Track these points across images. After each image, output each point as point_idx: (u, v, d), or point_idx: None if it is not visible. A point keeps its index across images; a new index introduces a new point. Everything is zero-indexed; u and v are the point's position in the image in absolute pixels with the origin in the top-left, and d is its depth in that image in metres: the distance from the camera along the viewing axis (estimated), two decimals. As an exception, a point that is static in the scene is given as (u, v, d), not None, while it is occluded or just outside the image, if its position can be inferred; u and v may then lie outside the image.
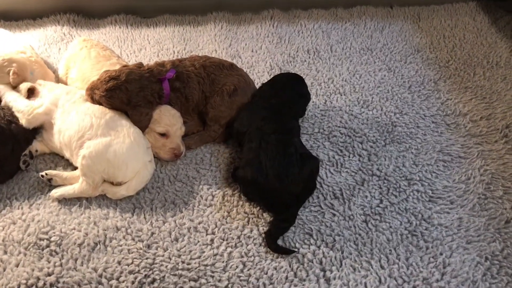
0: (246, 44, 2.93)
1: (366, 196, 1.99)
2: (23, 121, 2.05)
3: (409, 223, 1.89)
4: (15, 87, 2.22)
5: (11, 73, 2.19)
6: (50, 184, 2.00)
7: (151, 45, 2.91)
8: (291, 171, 1.82)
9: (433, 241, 1.82)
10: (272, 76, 2.63)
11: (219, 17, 3.16)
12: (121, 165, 1.94)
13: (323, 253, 1.78)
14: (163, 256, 1.78)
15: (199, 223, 1.90)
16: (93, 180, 1.94)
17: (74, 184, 1.98)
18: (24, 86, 2.18)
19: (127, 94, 2.04)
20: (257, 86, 2.41)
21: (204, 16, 3.19)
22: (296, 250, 1.76)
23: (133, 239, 1.83)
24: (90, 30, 3.04)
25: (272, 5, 3.26)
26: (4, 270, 1.72)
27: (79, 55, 2.40)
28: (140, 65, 2.17)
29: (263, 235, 1.84)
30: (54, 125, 2.07)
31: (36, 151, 2.11)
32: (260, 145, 1.89)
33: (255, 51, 2.87)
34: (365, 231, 1.86)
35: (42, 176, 1.98)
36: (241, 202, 1.97)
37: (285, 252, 1.77)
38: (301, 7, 3.27)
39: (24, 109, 2.06)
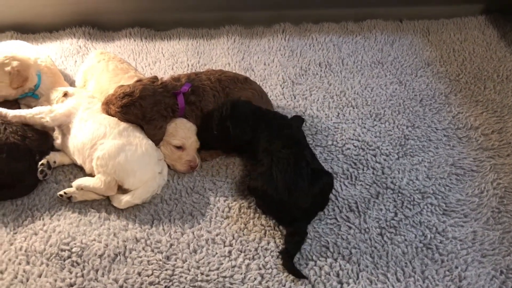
0: (258, 57, 2.98)
1: (381, 209, 2.02)
2: (47, 119, 2.10)
3: (424, 236, 1.92)
4: (15, 88, 2.27)
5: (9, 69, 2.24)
6: (70, 201, 2.03)
7: (165, 58, 2.96)
8: (301, 186, 1.86)
9: (448, 254, 1.84)
10: (284, 88, 2.69)
11: (232, 31, 3.21)
12: (130, 171, 1.99)
13: (340, 265, 1.81)
14: (182, 267, 1.81)
15: (217, 234, 1.93)
16: (108, 180, 1.98)
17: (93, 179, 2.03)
18: (59, 93, 2.27)
19: (141, 109, 2.09)
20: (270, 99, 2.46)
21: (217, 30, 3.25)
22: (307, 277, 1.77)
23: (152, 251, 1.87)
24: (105, 43, 3.10)
25: (284, 19, 3.31)
26: (27, 280, 1.76)
27: (97, 68, 2.45)
28: (154, 79, 2.22)
29: (280, 247, 1.87)
30: (71, 129, 2.12)
31: (54, 162, 2.15)
32: (272, 160, 1.93)
33: (267, 64, 2.92)
34: (380, 244, 1.89)
35: (61, 195, 2.02)
36: (257, 215, 2.01)
37: (298, 275, 1.78)
38: (312, 21, 3.32)
39: (43, 110, 2.12)
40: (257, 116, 2.13)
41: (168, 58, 2.97)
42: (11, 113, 2.11)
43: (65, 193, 2.01)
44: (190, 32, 3.22)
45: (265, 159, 1.96)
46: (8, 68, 2.23)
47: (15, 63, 2.23)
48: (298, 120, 2.41)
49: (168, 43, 3.11)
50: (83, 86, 2.49)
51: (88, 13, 3.21)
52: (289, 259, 1.80)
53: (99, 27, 3.23)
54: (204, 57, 2.98)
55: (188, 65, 2.92)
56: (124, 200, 1.98)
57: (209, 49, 3.06)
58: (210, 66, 2.90)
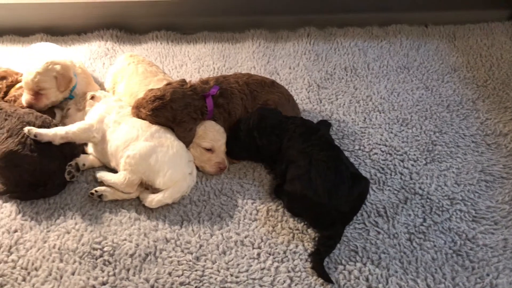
0: (283, 61, 2.99)
1: (410, 215, 2.02)
2: (94, 134, 2.13)
3: (454, 243, 1.91)
4: (62, 91, 2.32)
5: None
6: (101, 200, 2.06)
7: (192, 61, 3.00)
8: (342, 189, 1.86)
9: (479, 262, 1.83)
10: (310, 92, 2.70)
11: (257, 34, 3.23)
12: (160, 172, 2.01)
13: (369, 270, 1.81)
14: (212, 268, 1.83)
15: (245, 237, 1.95)
16: (132, 178, 2.01)
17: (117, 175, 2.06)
18: (88, 95, 2.32)
19: (172, 112, 2.12)
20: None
21: (242, 33, 3.27)
22: (334, 282, 1.78)
23: (182, 251, 1.89)
24: (133, 46, 3.15)
25: (308, 23, 3.32)
26: (61, 277, 1.79)
27: (127, 70, 2.48)
28: (183, 82, 2.24)
29: (309, 251, 1.88)
30: (106, 132, 2.15)
31: (83, 164, 2.18)
32: (310, 162, 1.93)
33: (292, 68, 2.93)
34: (409, 249, 1.88)
35: (92, 194, 2.05)
36: (285, 218, 2.02)
37: (327, 279, 1.78)
38: (336, 25, 3.32)
39: (83, 125, 2.12)
40: (284, 125, 2.13)
41: (194, 61, 3.00)
42: (45, 133, 2.05)
43: (96, 191, 2.05)
44: (215, 36, 3.25)
45: (302, 161, 1.96)
46: (53, 73, 2.27)
47: (58, 67, 2.28)
48: (325, 124, 2.41)
49: (194, 46, 3.14)
50: (112, 88, 2.53)
51: (116, 16, 3.26)
52: (319, 262, 1.80)
53: (126, 30, 3.28)
54: (229, 61, 3.01)
55: (214, 68, 2.94)
56: (156, 200, 2.01)
57: (234, 53, 3.08)
58: (235, 70, 2.92)
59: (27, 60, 2.62)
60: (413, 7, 3.36)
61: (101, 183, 2.10)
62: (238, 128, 2.17)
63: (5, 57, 3.03)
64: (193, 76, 2.86)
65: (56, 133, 2.04)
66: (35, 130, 2.00)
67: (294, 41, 3.18)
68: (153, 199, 2.01)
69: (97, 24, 3.27)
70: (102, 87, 2.64)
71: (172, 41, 3.19)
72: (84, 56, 3.01)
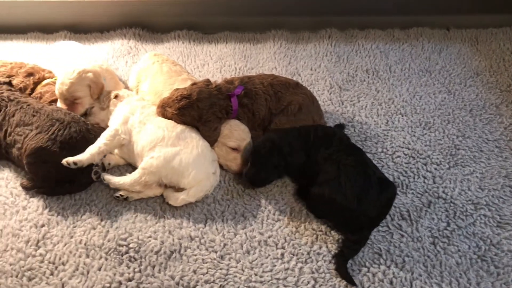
0: (305, 62, 3.00)
1: (433, 219, 2.01)
2: (122, 136, 2.15)
3: (478, 248, 1.90)
4: (95, 98, 2.34)
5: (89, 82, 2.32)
6: (127, 201, 2.09)
7: (213, 61, 3.02)
8: (371, 194, 1.86)
9: (504, 268, 1.82)
10: (331, 94, 2.71)
11: (278, 35, 3.24)
12: (185, 172, 2.03)
13: (393, 273, 1.81)
14: (236, 267, 1.84)
15: (269, 237, 1.96)
16: (149, 179, 2.03)
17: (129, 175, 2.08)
18: (112, 95, 2.33)
19: (198, 111, 2.14)
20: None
21: (263, 34, 3.28)
22: (357, 285, 1.78)
23: (206, 249, 1.91)
24: (155, 45, 3.17)
25: (329, 24, 3.33)
26: (88, 272, 1.82)
27: (151, 69, 2.51)
28: (208, 82, 2.26)
29: (333, 253, 1.88)
30: (132, 132, 2.17)
31: (109, 164, 2.21)
32: (339, 167, 1.93)
33: (314, 70, 2.94)
34: (433, 253, 1.88)
35: (117, 197, 2.08)
36: (308, 219, 2.02)
37: (350, 281, 1.79)
38: (357, 27, 3.32)
39: (110, 132, 2.14)
40: (304, 137, 2.10)
41: (216, 61, 3.02)
42: (86, 158, 2.05)
43: (121, 195, 2.07)
44: (236, 36, 3.26)
45: (329, 167, 1.95)
46: (87, 82, 2.32)
47: (91, 75, 2.32)
48: (341, 127, 2.42)
49: (215, 46, 3.16)
50: (136, 87, 2.55)
51: (138, 15, 3.30)
52: (343, 264, 1.81)
53: (149, 28, 3.31)
54: (251, 61, 3.02)
55: (236, 68, 2.96)
56: (180, 198, 2.03)
57: (255, 53, 3.10)
58: (257, 70, 2.94)
59: (52, 58, 2.66)
60: (434, 10, 3.34)
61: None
62: (259, 155, 2.09)
63: (29, 53, 3.08)
64: (215, 75, 2.88)
65: (92, 153, 2.06)
66: (72, 159, 2.01)
67: (315, 42, 3.18)
68: (177, 198, 2.04)
69: (119, 23, 3.31)
70: (125, 85, 2.67)
71: (194, 40, 3.22)
72: (107, 54, 3.04)
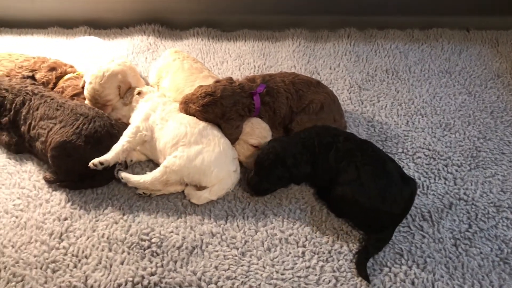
0: (324, 61, 3.00)
1: (454, 220, 2.01)
2: (144, 133, 2.15)
3: (500, 251, 1.89)
4: (123, 97, 2.37)
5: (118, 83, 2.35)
6: (150, 197, 2.11)
7: (232, 59, 3.02)
8: (394, 192, 1.86)
9: (527, 271, 1.82)
10: (351, 93, 2.71)
11: (297, 34, 3.25)
12: (207, 171, 2.04)
13: (415, 273, 1.81)
14: (257, 264, 1.85)
15: (290, 235, 1.96)
16: (170, 178, 2.04)
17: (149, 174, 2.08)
18: (135, 91, 2.35)
19: (221, 109, 2.15)
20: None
21: (282, 32, 3.29)
22: (370, 282, 1.79)
23: (228, 246, 1.92)
24: (174, 41, 3.19)
25: (348, 24, 3.32)
26: (111, 266, 1.84)
27: (172, 66, 2.52)
28: (230, 80, 2.27)
29: (354, 252, 1.89)
30: (154, 129, 2.18)
31: (131, 160, 2.23)
32: (357, 167, 1.92)
33: (333, 69, 2.93)
34: (455, 255, 1.88)
35: (140, 194, 2.10)
36: (329, 218, 2.03)
37: (365, 277, 1.79)
38: (376, 27, 3.31)
39: (132, 130, 2.16)
40: (308, 145, 2.06)
41: (235, 59, 3.03)
42: (111, 157, 2.07)
43: (144, 193, 2.09)
44: (255, 34, 3.27)
45: (348, 168, 1.94)
46: (116, 84, 2.34)
47: (120, 77, 2.34)
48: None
49: (234, 44, 3.17)
50: (156, 83, 2.57)
51: (157, 11, 3.32)
52: (364, 261, 1.82)
53: (168, 25, 3.33)
54: (270, 59, 3.03)
55: (255, 66, 2.96)
56: (203, 197, 2.05)
57: (274, 52, 3.10)
58: (276, 68, 2.94)
59: (74, 53, 2.68)
60: (454, 11, 3.32)
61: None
62: (262, 166, 2.06)
63: (50, 48, 3.10)
64: (234, 73, 2.89)
65: (116, 152, 2.08)
66: (97, 160, 2.02)
67: (334, 42, 3.18)
68: (200, 196, 2.05)
69: (139, 19, 3.32)
70: (145, 81, 2.68)
71: (213, 38, 3.23)
72: (127, 50, 3.06)
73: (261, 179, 2.07)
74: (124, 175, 2.08)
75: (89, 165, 2.01)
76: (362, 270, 1.81)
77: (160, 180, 2.04)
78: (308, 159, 2.03)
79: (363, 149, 2.01)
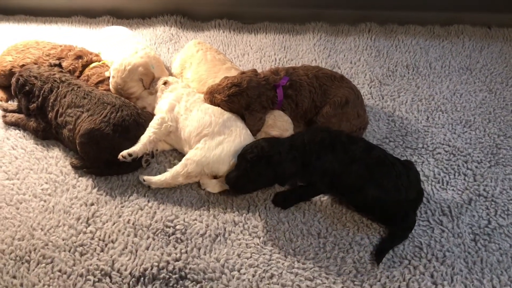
0: (344, 55, 3.01)
1: (474, 216, 2.03)
2: (169, 123, 2.20)
3: (519, 247, 1.92)
4: (147, 88, 2.42)
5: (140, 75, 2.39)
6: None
7: (253, 51, 3.05)
8: (403, 180, 1.92)
9: (546, 267, 1.84)
10: (372, 88, 2.72)
11: (318, 27, 3.26)
12: (226, 160, 2.08)
13: (434, 267, 1.84)
14: (279, 253, 1.89)
15: (311, 226, 2.00)
16: (192, 169, 2.07)
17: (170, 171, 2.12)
18: (160, 81, 2.39)
19: (247, 99, 2.18)
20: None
21: (302, 26, 3.31)
22: (378, 265, 1.86)
23: (250, 235, 1.96)
24: (196, 33, 3.22)
25: (369, 18, 3.33)
26: (136, 251, 1.89)
27: (196, 57, 2.55)
28: (255, 71, 2.30)
29: (374, 244, 1.92)
30: (179, 119, 2.22)
31: (157, 150, 2.28)
32: (367, 167, 1.95)
33: (353, 63, 2.95)
34: (474, 250, 1.90)
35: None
36: (349, 211, 2.06)
37: (379, 259, 1.86)
38: (397, 22, 3.32)
39: (157, 121, 2.20)
40: (297, 147, 2.02)
41: (256, 51, 3.05)
42: (139, 148, 2.12)
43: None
44: (276, 27, 3.29)
45: (354, 168, 1.96)
46: (138, 77, 2.37)
47: (141, 69, 2.37)
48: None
49: (255, 36, 3.20)
50: (179, 73, 2.60)
51: (179, 2, 3.36)
52: (388, 248, 1.89)
53: (189, 16, 3.36)
54: (290, 52, 3.05)
55: (276, 59, 2.99)
56: (218, 185, 2.10)
57: (295, 45, 3.12)
58: (296, 62, 2.97)
59: (99, 43, 2.73)
60: (476, 7, 3.31)
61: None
62: (244, 160, 1.99)
63: (73, 36, 3.15)
64: (255, 65, 2.92)
65: (144, 142, 2.12)
66: (126, 152, 2.08)
67: (355, 36, 3.19)
68: (215, 185, 2.10)
69: (161, 9, 3.37)
70: (168, 71, 2.72)
71: (234, 30, 3.26)
72: (150, 40, 3.10)
73: (241, 174, 1.99)
74: (146, 177, 2.12)
75: (118, 158, 2.06)
76: (381, 255, 1.86)
77: (182, 173, 2.08)
78: (295, 158, 2.00)
79: (365, 148, 2.03)
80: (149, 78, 2.40)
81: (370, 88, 2.74)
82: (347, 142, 2.02)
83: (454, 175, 2.22)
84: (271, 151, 1.98)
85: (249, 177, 1.99)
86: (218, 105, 2.21)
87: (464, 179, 2.20)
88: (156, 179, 2.10)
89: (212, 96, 2.22)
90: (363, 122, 2.33)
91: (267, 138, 2.13)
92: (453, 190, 2.15)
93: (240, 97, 2.16)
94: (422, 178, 2.17)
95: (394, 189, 1.91)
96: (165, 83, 2.38)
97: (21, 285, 1.78)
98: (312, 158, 2.00)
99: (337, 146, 2.01)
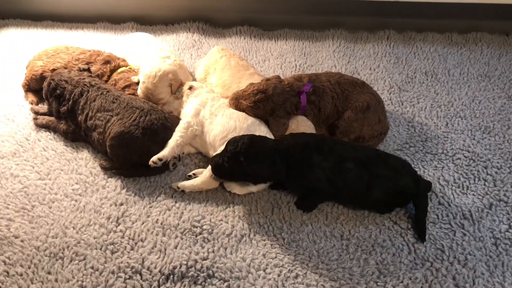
0: (364, 62, 3.07)
1: (494, 220, 2.07)
2: (195, 127, 2.27)
3: (540, 252, 1.95)
4: (174, 93, 2.50)
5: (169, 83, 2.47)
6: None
7: (274, 57, 3.12)
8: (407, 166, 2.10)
9: None
10: (391, 94, 2.77)
11: (337, 34, 3.32)
12: None
13: (456, 269, 1.87)
14: (303, 254, 1.94)
15: (334, 228, 2.05)
16: None
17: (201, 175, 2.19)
18: (185, 86, 2.47)
19: (272, 106, 2.25)
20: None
21: (322, 32, 3.37)
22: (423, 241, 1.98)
23: (274, 236, 2.02)
24: (217, 39, 3.30)
25: (387, 26, 3.38)
26: (165, 250, 1.95)
27: (219, 63, 2.63)
28: (279, 78, 2.37)
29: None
30: (204, 123, 2.29)
31: (183, 153, 2.35)
32: (365, 167, 2.03)
33: (373, 69, 3.00)
34: (495, 254, 1.94)
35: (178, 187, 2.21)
36: (371, 213, 2.10)
37: (422, 236, 1.99)
38: (415, 30, 3.36)
39: (183, 126, 2.27)
40: (284, 150, 2.04)
41: (276, 58, 3.12)
42: (167, 153, 2.18)
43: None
44: (296, 34, 3.36)
45: (357, 170, 2.02)
46: (168, 83, 2.45)
47: (170, 76, 2.45)
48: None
49: (275, 43, 3.27)
50: (203, 79, 2.68)
51: (201, 9, 3.44)
52: (423, 218, 2.02)
53: (211, 23, 3.44)
54: (310, 59, 3.11)
55: (296, 65, 3.05)
56: (245, 188, 2.16)
57: (315, 51, 3.19)
58: (316, 68, 3.02)
59: (128, 49, 2.81)
60: (493, 15, 3.35)
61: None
62: (227, 148, 2.03)
63: (98, 42, 3.24)
64: (275, 71, 2.99)
65: (172, 146, 2.20)
66: (156, 157, 2.15)
67: (374, 43, 3.25)
68: (241, 187, 2.16)
69: (183, 16, 3.45)
70: (192, 77, 2.79)
71: (255, 36, 3.33)
72: (174, 46, 3.18)
73: (219, 162, 2.03)
74: (180, 184, 2.19)
75: (149, 164, 2.14)
76: (421, 232, 1.99)
77: (212, 177, 2.14)
78: (274, 162, 2.01)
79: (352, 150, 2.10)
80: (177, 84, 2.48)
81: (389, 94, 2.79)
82: (333, 142, 2.12)
83: (474, 180, 2.26)
84: (250, 150, 1.99)
85: (225, 168, 2.02)
86: (244, 111, 2.28)
87: (484, 184, 2.23)
88: (189, 184, 2.17)
89: (238, 102, 2.29)
90: (384, 127, 2.38)
91: (258, 136, 2.10)
92: (473, 194, 2.18)
93: (266, 103, 2.23)
94: (442, 182, 2.23)
95: (405, 176, 2.02)
96: (190, 88, 2.45)
97: (56, 280, 1.85)
98: (298, 160, 2.02)
99: (323, 147, 2.05)
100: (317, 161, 2.02)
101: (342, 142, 2.20)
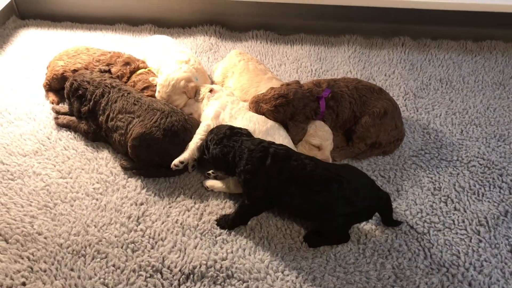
0: (379, 68, 3.10)
1: (510, 227, 2.09)
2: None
3: (555, 259, 1.97)
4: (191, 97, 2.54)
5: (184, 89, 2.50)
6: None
7: (290, 62, 3.16)
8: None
9: None
10: (406, 100, 2.80)
11: (352, 40, 3.36)
12: None
13: (472, 275, 1.90)
14: (321, 257, 1.98)
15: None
16: None
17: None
18: (206, 89, 2.50)
19: (292, 110, 2.29)
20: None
21: (337, 38, 3.40)
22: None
23: (292, 239, 2.05)
24: (234, 43, 3.34)
25: (402, 32, 3.41)
26: (185, 249, 1.99)
27: (238, 67, 2.67)
28: (299, 83, 2.40)
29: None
30: None
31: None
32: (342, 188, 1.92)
33: (388, 75, 3.03)
34: (511, 261, 1.96)
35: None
36: (388, 218, 2.13)
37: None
38: (430, 37, 3.39)
39: (203, 128, 2.31)
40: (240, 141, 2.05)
41: (292, 62, 3.16)
42: (188, 155, 2.23)
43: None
44: (311, 39, 3.39)
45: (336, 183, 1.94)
46: (181, 90, 2.48)
47: (183, 83, 2.47)
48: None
49: (291, 47, 3.30)
50: (221, 82, 2.72)
51: (218, 13, 3.48)
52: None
53: (228, 27, 3.48)
54: (326, 64, 3.15)
55: (312, 70, 3.09)
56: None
57: (330, 56, 3.22)
58: (332, 73, 3.06)
59: (148, 51, 2.85)
60: (508, 24, 3.37)
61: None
62: (211, 133, 2.15)
63: (116, 43, 3.29)
64: (291, 76, 3.02)
65: (192, 149, 2.24)
66: (177, 160, 2.20)
67: (389, 49, 3.28)
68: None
69: (200, 19, 3.50)
70: (210, 80, 2.83)
71: (271, 40, 3.37)
72: (191, 49, 3.23)
73: (207, 144, 2.12)
74: (209, 184, 2.24)
75: (171, 167, 2.19)
76: (393, 223, 2.07)
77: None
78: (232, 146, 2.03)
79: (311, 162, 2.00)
80: (192, 90, 2.51)
81: (404, 100, 2.82)
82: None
83: (489, 187, 2.28)
84: (215, 137, 2.08)
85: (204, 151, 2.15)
86: (264, 114, 2.32)
87: (500, 192, 2.26)
88: (219, 186, 2.23)
89: (258, 105, 2.32)
90: (400, 133, 2.42)
91: (252, 136, 2.14)
92: (488, 202, 2.21)
93: (286, 107, 2.26)
94: (458, 188, 2.26)
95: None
96: (210, 90, 2.49)
97: (79, 277, 1.89)
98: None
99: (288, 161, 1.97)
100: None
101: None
